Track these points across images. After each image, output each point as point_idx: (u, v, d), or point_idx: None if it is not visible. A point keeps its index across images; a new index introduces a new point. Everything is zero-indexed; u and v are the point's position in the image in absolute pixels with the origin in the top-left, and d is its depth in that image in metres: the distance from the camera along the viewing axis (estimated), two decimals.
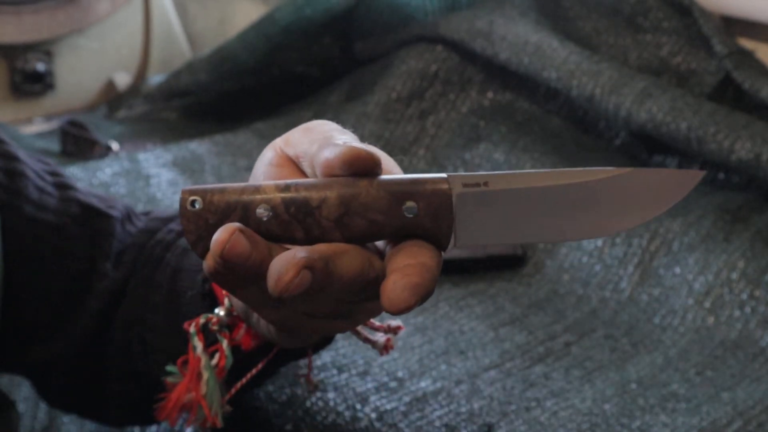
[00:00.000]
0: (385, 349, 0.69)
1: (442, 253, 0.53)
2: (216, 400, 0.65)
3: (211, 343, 0.65)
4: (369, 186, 0.51)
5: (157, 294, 0.71)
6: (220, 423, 0.65)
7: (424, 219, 0.51)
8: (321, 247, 0.51)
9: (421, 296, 0.50)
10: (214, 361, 0.65)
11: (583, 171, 0.53)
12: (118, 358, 0.73)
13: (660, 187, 0.52)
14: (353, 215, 0.51)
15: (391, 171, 0.56)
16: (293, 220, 0.51)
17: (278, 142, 0.59)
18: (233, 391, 0.67)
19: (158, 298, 0.71)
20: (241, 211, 0.52)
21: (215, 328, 0.64)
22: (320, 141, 0.55)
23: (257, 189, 0.52)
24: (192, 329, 0.65)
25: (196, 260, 0.68)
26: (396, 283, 0.50)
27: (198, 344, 0.64)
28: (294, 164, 0.57)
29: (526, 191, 0.52)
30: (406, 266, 0.51)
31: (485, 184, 0.52)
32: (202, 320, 0.64)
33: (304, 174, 0.57)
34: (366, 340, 0.68)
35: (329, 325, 0.58)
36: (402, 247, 0.52)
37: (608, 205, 0.52)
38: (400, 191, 0.51)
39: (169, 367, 0.66)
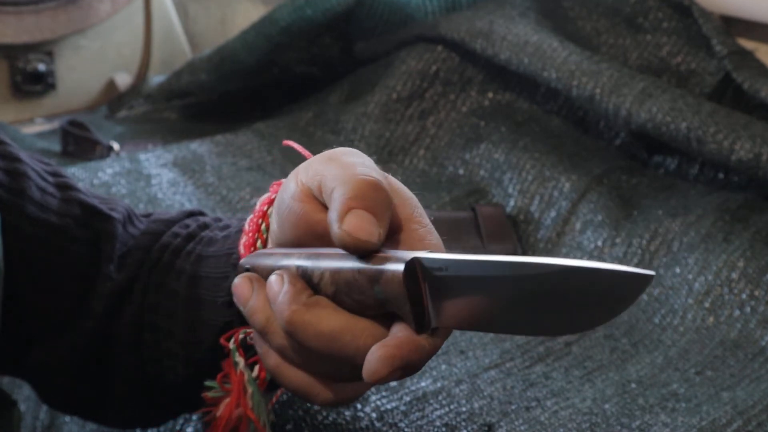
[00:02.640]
0: None
1: (433, 337, 0.53)
2: (263, 411, 0.66)
3: (248, 355, 0.65)
4: (353, 265, 0.54)
5: (173, 301, 0.71)
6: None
7: (391, 301, 0.53)
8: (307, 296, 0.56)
9: (396, 367, 0.52)
10: (254, 373, 0.66)
11: (542, 263, 0.49)
12: (124, 361, 0.73)
13: (616, 288, 0.46)
14: (342, 294, 0.55)
15: (409, 212, 0.56)
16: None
17: (300, 173, 0.59)
18: (274, 400, 0.69)
19: (174, 306, 0.71)
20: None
21: (253, 341, 0.64)
22: (339, 180, 0.55)
23: (287, 255, 0.58)
24: (232, 345, 0.65)
25: (215, 267, 0.68)
26: (373, 354, 0.52)
27: (240, 360, 0.65)
28: (315, 199, 0.58)
29: (479, 280, 0.50)
30: (391, 337, 0.53)
31: (446, 269, 0.52)
32: (240, 335, 0.65)
33: (324, 207, 0.57)
34: None
35: (356, 388, 0.59)
36: (400, 321, 0.55)
37: (567, 301, 0.48)
38: (370, 275, 0.53)
39: (209, 382, 0.67)
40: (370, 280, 0.53)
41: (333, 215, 0.54)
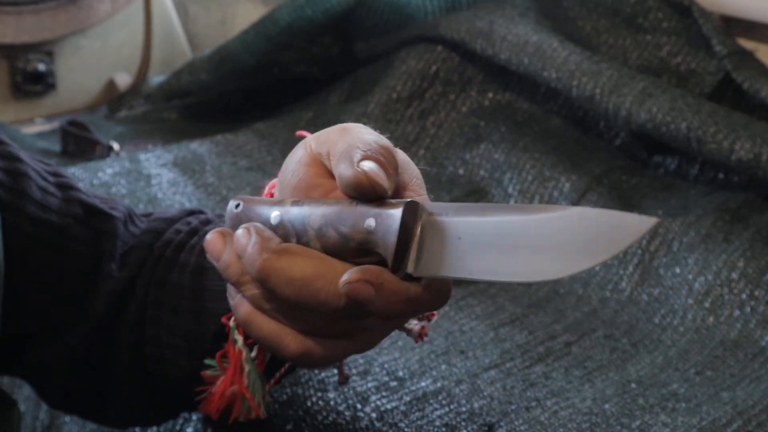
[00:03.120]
0: (420, 336, 0.70)
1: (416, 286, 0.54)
2: (258, 391, 0.67)
3: (248, 336, 0.66)
4: (348, 204, 0.56)
5: (177, 294, 0.71)
6: (263, 413, 0.68)
7: (378, 235, 0.54)
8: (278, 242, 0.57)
9: (368, 279, 0.53)
10: (254, 353, 0.66)
11: (533, 207, 0.51)
12: (126, 360, 0.73)
13: (605, 232, 0.48)
14: (328, 227, 0.56)
15: (407, 180, 0.58)
16: (292, 227, 0.57)
17: (310, 140, 0.60)
18: (273, 381, 0.69)
19: (179, 299, 0.71)
20: (263, 218, 0.59)
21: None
22: (352, 143, 0.56)
23: (279, 202, 0.59)
24: (232, 323, 0.66)
25: None
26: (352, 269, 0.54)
27: (239, 338, 0.66)
28: (321, 164, 0.59)
29: (472, 223, 0.52)
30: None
31: (446, 213, 0.54)
32: None
33: (329, 173, 0.58)
34: (401, 328, 0.69)
35: (333, 346, 0.59)
36: None
37: (555, 244, 0.49)
38: (366, 209, 0.55)
39: (208, 361, 0.67)
40: (363, 215, 0.55)
41: (346, 163, 0.55)
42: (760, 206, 1.10)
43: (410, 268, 0.54)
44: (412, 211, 0.54)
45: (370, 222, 0.55)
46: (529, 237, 0.50)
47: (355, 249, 0.55)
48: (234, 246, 0.58)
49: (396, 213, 0.54)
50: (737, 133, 1.11)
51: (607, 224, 0.48)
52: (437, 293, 0.56)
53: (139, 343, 0.73)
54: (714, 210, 1.08)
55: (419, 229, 0.54)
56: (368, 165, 0.55)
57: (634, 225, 0.47)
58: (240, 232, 0.58)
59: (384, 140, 0.58)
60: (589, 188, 1.17)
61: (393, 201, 0.55)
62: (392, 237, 0.54)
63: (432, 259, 0.53)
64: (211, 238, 0.60)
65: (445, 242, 0.53)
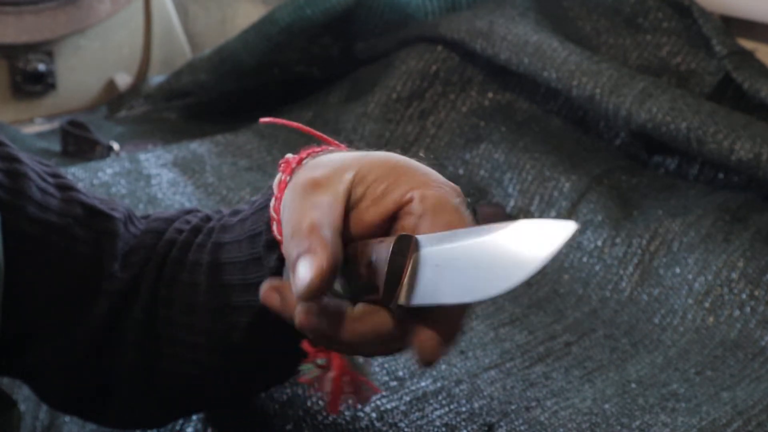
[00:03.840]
0: None
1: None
2: (368, 372, 0.68)
3: None
4: (362, 244, 0.59)
5: (191, 293, 0.71)
6: (379, 389, 0.71)
7: (377, 266, 0.57)
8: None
9: (365, 333, 0.57)
10: None
11: (495, 226, 0.53)
12: (128, 360, 0.73)
13: (533, 242, 0.52)
14: (349, 264, 0.59)
15: (422, 180, 0.60)
16: None
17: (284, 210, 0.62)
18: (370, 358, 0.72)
19: (193, 298, 0.71)
20: None
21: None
22: (288, 232, 0.59)
23: None
24: None
25: (238, 251, 0.69)
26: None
27: None
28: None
29: (446, 250, 0.54)
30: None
31: (431, 244, 0.55)
32: None
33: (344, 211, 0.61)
34: None
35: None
36: None
37: (499, 260, 0.52)
38: (370, 246, 0.58)
39: (302, 366, 0.68)
40: (370, 252, 0.57)
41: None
42: (760, 206, 1.10)
43: (402, 298, 0.56)
44: (403, 245, 0.56)
45: (371, 258, 0.57)
46: (482, 257, 0.52)
47: (363, 286, 0.58)
48: (287, 295, 0.60)
49: (387, 245, 0.56)
50: (737, 133, 1.11)
51: (535, 234, 0.51)
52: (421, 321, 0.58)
53: (144, 343, 0.73)
54: (714, 210, 1.08)
55: (411, 261, 0.56)
56: (298, 272, 0.56)
57: (555, 232, 0.51)
58: (303, 319, 0.59)
59: (311, 217, 0.58)
60: (589, 188, 1.17)
61: (393, 237, 0.57)
62: (382, 270, 0.56)
63: (418, 289, 0.55)
64: (264, 294, 0.62)
65: (427, 271, 0.55)
